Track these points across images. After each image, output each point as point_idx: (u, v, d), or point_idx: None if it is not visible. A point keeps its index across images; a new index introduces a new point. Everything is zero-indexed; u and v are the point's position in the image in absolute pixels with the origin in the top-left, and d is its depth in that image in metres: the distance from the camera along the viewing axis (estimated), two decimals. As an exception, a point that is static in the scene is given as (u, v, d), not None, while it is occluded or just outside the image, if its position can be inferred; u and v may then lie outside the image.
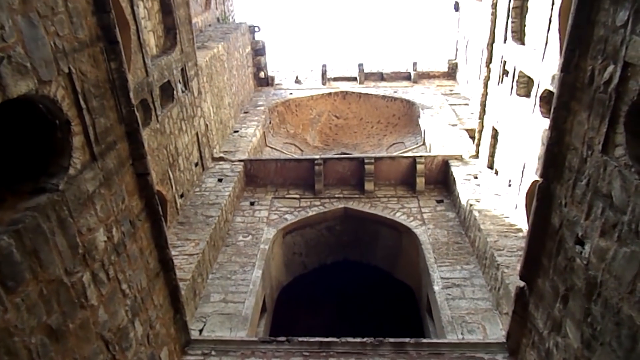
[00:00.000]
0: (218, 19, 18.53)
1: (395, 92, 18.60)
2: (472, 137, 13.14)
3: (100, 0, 5.26)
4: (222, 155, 13.22)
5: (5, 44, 3.86)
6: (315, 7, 66.76)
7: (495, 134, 11.21)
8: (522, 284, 6.57)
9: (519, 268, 6.59)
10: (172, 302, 7.15)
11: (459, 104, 16.71)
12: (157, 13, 10.06)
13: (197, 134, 11.75)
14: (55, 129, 4.71)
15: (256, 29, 19.40)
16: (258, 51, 19.67)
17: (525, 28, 9.90)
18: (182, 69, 10.79)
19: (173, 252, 7.47)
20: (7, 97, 3.87)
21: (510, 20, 10.08)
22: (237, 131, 15.42)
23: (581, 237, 4.99)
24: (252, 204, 12.28)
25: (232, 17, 20.48)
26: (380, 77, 20.20)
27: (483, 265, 9.28)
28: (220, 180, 11.97)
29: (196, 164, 11.82)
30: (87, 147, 5.01)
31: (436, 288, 9.06)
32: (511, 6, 9.98)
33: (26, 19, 4.14)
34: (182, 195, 10.69)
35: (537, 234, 5.98)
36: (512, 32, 10.14)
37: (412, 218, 11.45)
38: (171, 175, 9.95)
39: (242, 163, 12.84)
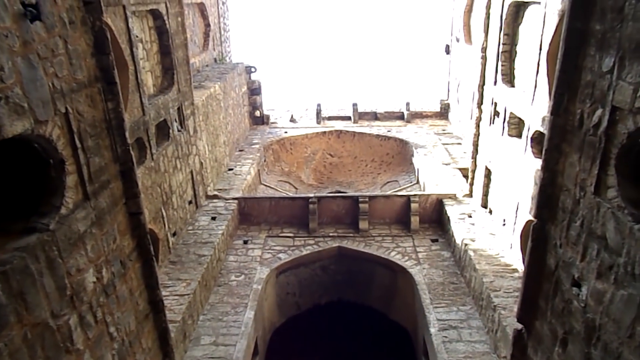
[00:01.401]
0: (215, 60, 18.96)
1: (389, 131, 18.88)
2: (466, 176, 13.25)
3: (100, 42, 5.38)
4: (216, 193, 13.19)
5: (4, 85, 3.90)
6: (310, 48, 68.63)
7: (488, 174, 11.31)
8: (519, 326, 6.45)
9: (516, 310, 6.49)
10: (161, 346, 6.92)
11: (452, 143, 16.94)
12: (156, 54, 10.29)
13: (191, 172, 11.77)
14: (49, 168, 4.69)
15: (252, 69, 19.83)
16: (254, 90, 20.03)
17: (515, 71, 10.20)
18: (178, 108, 10.92)
19: (163, 293, 7.31)
20: (3, 136, 3.87)
21: (499, 63, 10.39)
22: (232, 169, 15.46)
23: (578, 278, 4.95)
24: (245, 242, 12.15)
25: (229, 58, 20.97)
26: (374, 116, 20.54)
27: (480, 306, 9.13)
28: (213, 218, 11.88)
29: (190, 202, 11.77)
30: (80, 186, 4.98)
31: (432, 330, 8.87)
32: (500, 50, 10.31)
33: (26, 60, 4.20)
34: (174, 234, 10.57)
35: (533, 275, 5.92)
36: (502, 75, 10.43)
37: (407, 257, 11.35)
38: (164, 214, 9.88)
39: (236, 201, 12.79)
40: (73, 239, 4.75)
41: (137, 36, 8.90)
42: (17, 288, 3.87)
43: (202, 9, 17.14)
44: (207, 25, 17.67)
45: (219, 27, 19.22)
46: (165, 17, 10.16)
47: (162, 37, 10.30)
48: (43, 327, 4.19)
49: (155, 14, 9.95)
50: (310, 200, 12.67)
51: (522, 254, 8.89)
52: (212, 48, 18.41)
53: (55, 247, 4.44)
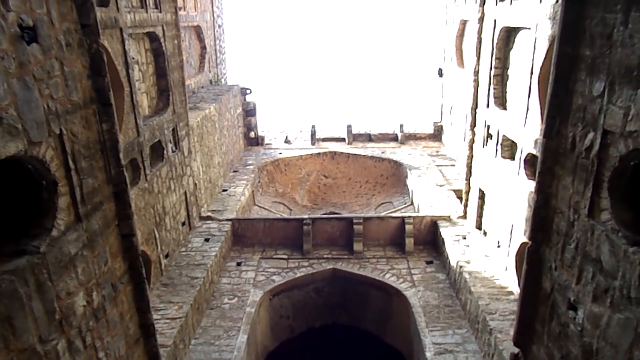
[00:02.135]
0: (211, 81, 19.10)
1: (383, 152, 18.97)
2: (460, 198, 13.28)
3: (97, 64, 5.41)
4: (210, 214, 13.11)
5: (-2, 106, 3.89)
6: (306, 70, 69.45)
7: (482, 195, 11.35)
8: (516, 350, 6.38)
9: (512, 333, 6.43)
10: (152, 371, 6.75)
11: (446, 165, 17.04)
12: (152, 76, 10.35)
13: (185, 193, 11.71)
14: (42, 189, 4.65)
15: (247, 91, 19.98)
16: (249, 112, 20.13)
17: (507, 94, 10.35)
18: (173, 129, 10.94)
19: (155, 316, 7.17)
20: (-5, 158, 3.85)
21: (492, 86, 10.55)
22: (226, 190, 15.41)
23: (574, 302, 4.93)
24: (238, 264, 12.03)
25: (224, 80, 21.14)
26: (368, 138, 20.67)
27: (476, 329, 9.04)
28: (207, 240, 11.78)
29: (183, 223, 11.67)
30: (72, 208, 4.93)
31: (428, 354, 8.74)
32: (492, 74, 10.48)
33: (21, 82, 4.21)
34: (167, 256, 10.45)
35: (528, 299, 5.89)
36: (494, 97, 10.57)
37: (401, 279, 11.26)
38: (157, 235, 9.78)
39: (230, 222, 12.71)
40: (64, 261, 4.67)
41: (133, 58, 8.97)
42: (5, 312, 3.78)
43: (198, 32, 17.36)
44: (203, 47, 17.87)
45: (215, 50, 19.43)
46: (162, 40, 10.26)
47: (158, 59, 10.39)
48: (30, 353, 4.08)
49: (152, 37, 10.06)
50: (304, 221, 12.61)
51: (518, 276, 8.86)
52: (207, 70, 18.58)
53: (45, 270, 4.36)
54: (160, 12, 10.11)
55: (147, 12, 9.40)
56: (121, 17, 8.02)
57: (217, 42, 19.59)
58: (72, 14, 5.07)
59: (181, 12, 13.57)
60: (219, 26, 19.86)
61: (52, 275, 4.45)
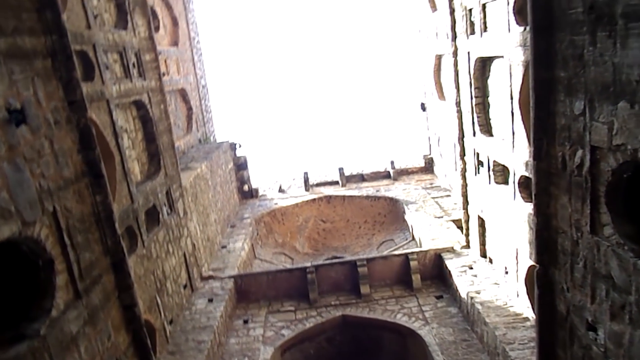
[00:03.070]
0: (200, 140, 19.33)
1: (377, 191, 19.01)
2: (460, 228, 13.21)
3: (86, 138, 5.47)
4: (211, 273, 12.88)
5: (-10, 191, 3.88)
6: (291, 117, 70.74)
7: (482, 223, 11.30)
8: (541, 380, 6.14)
9: (534, 363, 6.21)
10: None
11: (442, 196, 17.06)
12: (141, 142, 10.46)
13: (184, 254, 11.55)
14: (39, 269, 4.56)
15: (237, 145, 20.21)
16: (240, 166, 20.27)
17: (491, 121, 10.54)
18: (166, 192, 10.93)
19: (164, 389, 6.87)
20: (-11, 243, 3.79)
21: (475, 115, 10.76)
22: (225, 246, 15.23)
23: (592, 322, 4.80)
24: (245, 322, 11.69)
25: (213, 137, 21.41)
26: (361, 178, 20.77)
27: (496, 362, 8.73)
28: (210, 300, 11.50)
29: (185, 286, 11.44)
30: (70, 285, 4.83)
31: (451, 395, 8.38)
32: (474, 103, 10.72)
33: (12, 164, 4.23)
34: (171, 321, 10.15)
35: (545, 324, 5.74)
36: (479, 125, 10.76)
37: (413, 318, 10.97)
38: (159, 301, 9.54)
39: (232, 279, 12.47)
40: (65, 342, 4.52)
41: (122, 127, 9.10)
42: (6, 405, 3.61)
43: (183, 94, 17.75)
44: (190, 108, 18.22)
45: (201, 110, 19.81)
46: (149, 106, 10.46)
47: (146, 125, 10.54)
48: None
49: (139, 104, 10.25)
50: (307, 270, 12.41)
51: (530, 301, 8.67)
52: (195, 129, 18.85)
53: (47, 353, 4.21)
54: (145, 80, 10.37)
55: (131, 81, 9.63)
56: (107, 89, 8.20)
57: (203, 102, 20.00)
58: (58, 92, 5.19)
59: (165, 78, 13.93)
60: (203, 86, 20.34)
61: (54, 358, 4.29)
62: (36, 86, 4.78)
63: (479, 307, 9.62)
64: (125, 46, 9.33)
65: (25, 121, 4.50)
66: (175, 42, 16.97)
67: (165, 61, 15.06)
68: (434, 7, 15.02)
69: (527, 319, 8.79)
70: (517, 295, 9.33)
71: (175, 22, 16.96)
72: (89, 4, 7.92)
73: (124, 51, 9.25)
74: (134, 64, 9.74)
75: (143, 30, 10.62)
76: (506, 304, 9.50)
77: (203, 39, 20.93)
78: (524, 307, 9.03)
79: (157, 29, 14.60)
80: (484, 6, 9.41)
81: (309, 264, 12.87)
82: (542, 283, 5.70)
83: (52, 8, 5.29)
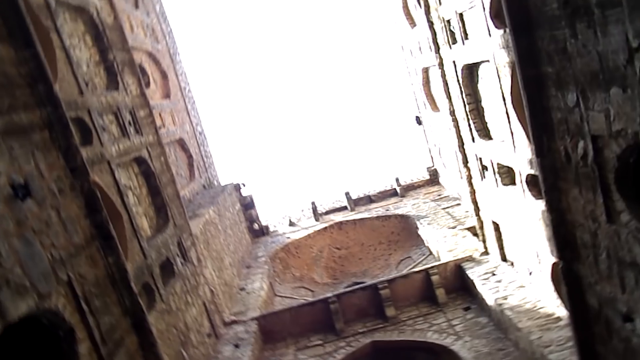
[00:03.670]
0: (204, 186, 19.44)
1: (387, 210, 18.91)
2: (476, 235, 13.04)
3: (92, 202, 5.52)
4: (233, 318, 12.71)
5: (3, 269, 3.89)
6: (291, 150, 71.17)
7: (497, 227, 11.16)
8: (586, 380, 5.92)
9: (575, 363, 6.01)
10: None
11: (452, 206, 16.93)
12: (146, 197, 10.53)
13: (204, 302, 11.43)
14: (60, 340, 4.52)
15: (241, 185, 20.30)
16: (247, 205, 20.29)
17: (488, 125, 10.56)
18: (178, 243, 10.92)
19: None
20: (8, 322, 3.77)
21: (471, 122, 10.79)
22: (244, 288, 15.06)
23: (627, 313, 4.66)
24: (274, 363, 11.45)
25: (216, 181, 21.55)
26: (369, 199, 20.71)
27: (536, 368, 8.44)
28: (236, 346, 11.29)
29: (209, 335, 11.26)
30: (94, 352, 4.77)
31: (496, 409, 8.08)
32: (468, 110, 10.76)
33: (22, 239, 4.25)
34: (199, 374, 9.96)
35: (579, 321, 5.58)
36: (477, 131, 10.77)
37: (444, 334, 10.70)
38: (185, 355, 9.38)
39: (255, 321, 12.28)
40: (94, 412, 4.43)
41: (125, 185, 9.18)
42: None
43: (181, 144, 17.97)
44: (190, 156, 18.41)
45: (201, 156, 20.01)
46: (149, 161, 10.57)
47: (149, 180, 10.62)
48: None
49: (139, 160, 10.36)
50: (329, 300, 12.23)
51: (560, 299, 8.46)
52: (198, 176, 19.00)
53: None
54: (142, 135, 10.52)
55: (129, 139, 9.77)
56: (106, 151, 8.31)
57: (202, 148, 20.23)
58: (59, 161, 5.26)
59: (162, 130, 14.13)
60: (200, 133, 20.61)
61: None
62: (37, 159, 4.86)
63: (509, 313, 9.39)
64: (119, 106, 9.52)
65: (30, 194, 4.56)
66: (167, 95, 17.30)
67: (160, 114, 15.32)
68: (413, 24, 15.31)
69: (559, 318, 8.56)
70: (545, 295, 9.11)
71: (164, 76, 17.34)
72: (79, 71, 8.12)
73: (118, 111, 9.42)
74: (129, 122, 9.91)
75: (134, 88, 10.85)
76: (536, 306, 9.27)
77: (193, 84, 21.35)
78: (555, 307, 8.80)
79: (147, 84, 14.93)
80: (461, 15, 9.57)
81: (330, 294, 12.70)
82: (568, 279, 5.57)
83: (43, 81, 5.43)
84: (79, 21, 9.11)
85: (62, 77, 7.25)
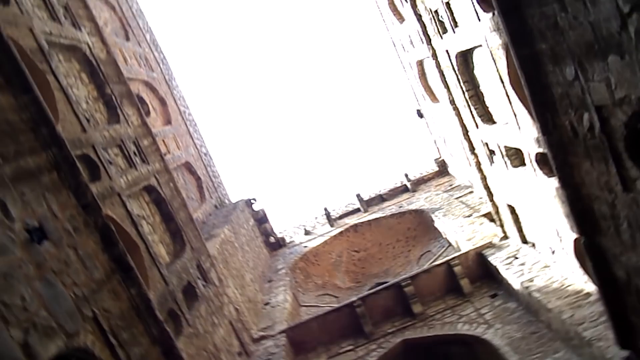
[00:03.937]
0: (216, 206, 19.53)
1: (400, 207, 18.82)
2: (493, 220, 12.92)
3: (107, 236, 5.56)
4: (261, 333, 12.70)
5: (29, 314, 3.92)
6: (297, 157, 71.05)
7: (512, 210, 11.05)
8: (624, 353, 5.81)
9: (613, 337, 5.89)
10: None
11: (465, 194, 16.79)
12: (160, 224, 10.60)
13: (230, 322, 11.44)
14: (93, 378, 4.54)
15: (252, 201, 20.36)
16: (260, 220, 20.34)
17: (490, 109, 10.49)
18: (197, 265, 10.96)
19: None
20: (39, 366, 3.80)
21: (472, 108, 10.72)
22: (268, 303, 15.06)
23: (656, 280, 4.58)
24: (307, 373, 11.41)
25: (227, 199, 21.64)
26: (381, 198, 20.63)
27: (573, 346, 8.30)
28: (267, 361, 11.28)
29: (239, 354, 11.26)
30: (127, 385, 4.79)
31: (537, 393, 7.95)
32: (467, 97, 10.71)
33: (44, 281, 4.29)
34: (234, 393, 9.94)
35: (609, 294, 5.49)
36: (480, 116, 10.70)
37: (475, 324, 10.58)
38: (217, 376, 9.38)
39: (284, 334, 12.26)
40: None
41: (138, 215, 9.25)
42: None
43: (188, 167, 18.10)
44: (198, 178, 18.53)
45: (209, 176, 20.12)
46: (159, 188, 10.65)
47: (161, 207, 10.70)
48: None
49: (149, 189, 10.44)
50: (355, 304, 12.17)
51: (587, 273, 8.34)
52: (209, 197, 19.09)
53: None
54: (149, 164, 10.61)
55: (137, 169, 9.86)
56: (116, 183, 8.39)
57: (209, 168, 20.35)
58: (70, 200, 5.32)
59: (167, 156, 14.26)
60: (205, 154, 20.75)
61: None
62: (48, 200, 4.92)
63: (537, 294, 9.27)
64: (123, 138, 9.62)
65: (46, 236, 4.61)
66: (168, 121, 17.47)
67: (164, 140, 15.47)
68: (401, 19, 15.31)
69: (589, 294, 8.42)
70: (572, 272, 8.98)
71: (163, 102, 17.52)
72: (79, 108, 8.24)
73: (122, 143, 9.53)
74: (135, 153, 10.01)
75: (135, 118, 10.97)
76: (563, 285, 9.14)
77: (193, 106, 21.52)
78: (582, 283, 8.67)
79: (147, 113, 15.10)
80: (447, 4, 9.56)
81: (354, 298, 12.65)
82: (592, 254, 5.49)
83: (45, 123, 5.51)
84: (73, 60, 9.25)
85: (63, 117, 7.36)
